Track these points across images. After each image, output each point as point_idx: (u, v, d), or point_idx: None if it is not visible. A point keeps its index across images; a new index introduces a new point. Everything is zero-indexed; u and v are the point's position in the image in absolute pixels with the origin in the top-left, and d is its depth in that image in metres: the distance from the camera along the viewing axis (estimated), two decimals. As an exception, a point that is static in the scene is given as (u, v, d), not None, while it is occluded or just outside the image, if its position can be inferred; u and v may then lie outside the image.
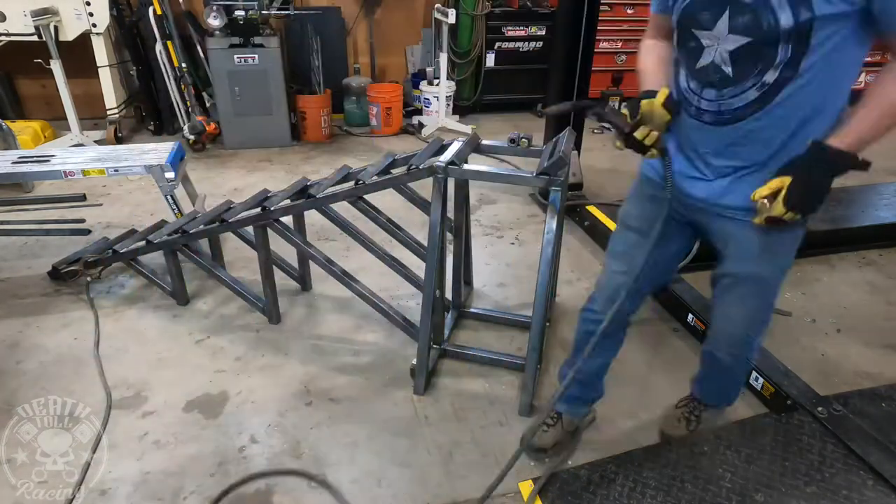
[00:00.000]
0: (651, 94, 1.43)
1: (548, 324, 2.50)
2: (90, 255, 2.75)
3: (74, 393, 2.17)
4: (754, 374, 2.19)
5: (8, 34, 4.28)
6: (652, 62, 1.55)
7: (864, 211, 3.66)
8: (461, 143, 2.21)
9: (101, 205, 3.74)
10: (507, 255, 3.27)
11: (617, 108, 5.84)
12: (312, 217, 2.89)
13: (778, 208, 1.28)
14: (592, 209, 3.50)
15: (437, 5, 5.21)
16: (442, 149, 2.26)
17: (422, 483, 1.85)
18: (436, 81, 5.41)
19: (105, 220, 3.55)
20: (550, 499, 1.77)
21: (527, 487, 1.80)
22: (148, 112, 5.16)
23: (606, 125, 1.49)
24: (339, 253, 3.19)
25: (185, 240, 2.57)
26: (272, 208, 2.37)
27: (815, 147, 1.28)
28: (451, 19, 4.88)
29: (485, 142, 2.35)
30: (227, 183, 4.19)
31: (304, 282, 2.86)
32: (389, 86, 5.50)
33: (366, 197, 2.37)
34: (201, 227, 2.54)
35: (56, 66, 4.29)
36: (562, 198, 1.98)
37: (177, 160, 2.91)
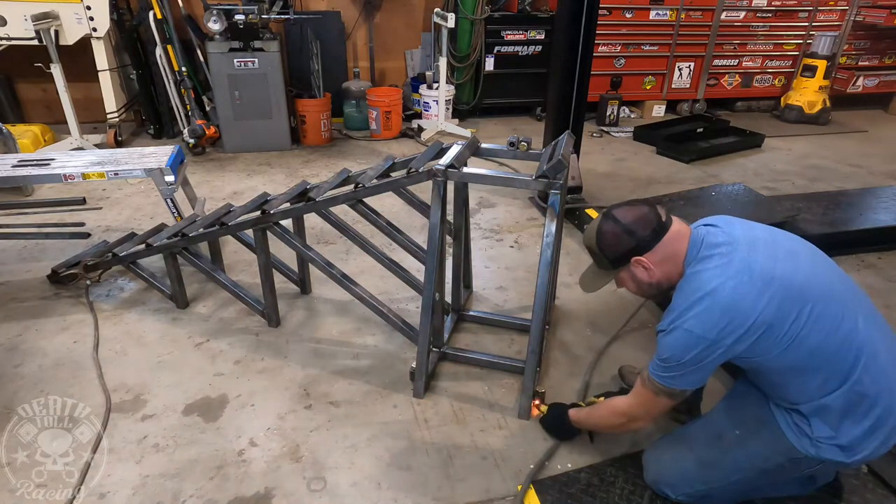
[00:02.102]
0: None
1: (547, 327, 2.50)
2: (90, 259, 2.75)
3: (74, 396, 2.17)
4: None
5: (8, 38, 4.30)
6: None
7: (863, 214, 3.67)
8: (460, 146, 2.22)
9: (100, 208, 3.75)
10: (506, 258, 3.28)
11: (617, 111, 5.88)
12: (312, 220, 2.90)
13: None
14: (592, 212, 3.52)
15: (436, 9, 5.24)
16: (441, 152, 2.26)
17: (422, 486, 1.84)
18: (435, 85, 5.43)
19: (105, 223, 3.55)
20: (550, 501, 1.76)
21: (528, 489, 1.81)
22: (148, 116, 5.17)
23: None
24: (339, 256, 3.19)
25: (185, 243, 2.58)
26: (272, 211, 2.37)
27: (561, 406, 2.00)
28: (451, 23, 4.90)
29: (484, 145, 2.35)
30: (227, 186, 4.20)
31: (304, 285, 2.86)
32: (389, 90, 5.52)
33: (365, 200, 2.37)
34: (201, 230, 2.54)
35: (56, 70, 4.30)
36: (561, 201, 1.98)
37: (176, 164, 2.92)
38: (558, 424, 1.97)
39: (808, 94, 6.08)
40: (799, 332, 1.38)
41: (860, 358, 1.40)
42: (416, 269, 2.54)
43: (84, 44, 4.49)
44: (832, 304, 1.42)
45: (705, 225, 1.58)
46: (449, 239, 2.57)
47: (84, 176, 2.74)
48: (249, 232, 2.51)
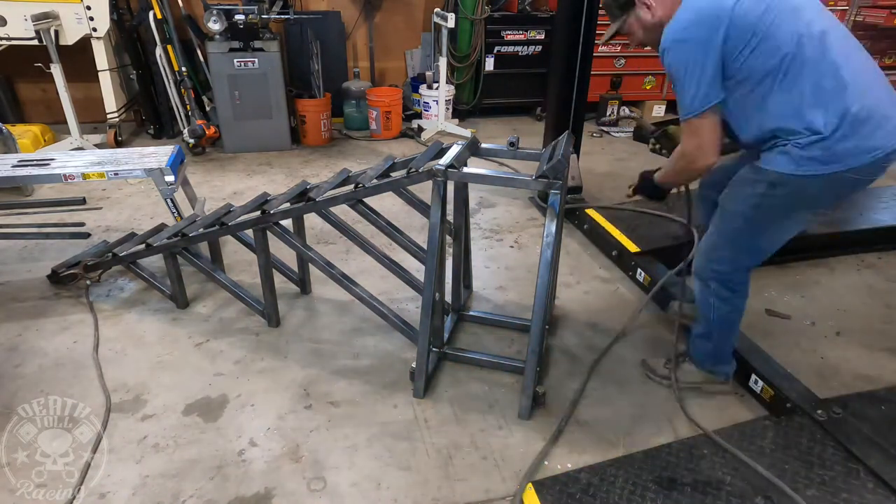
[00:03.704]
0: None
1: (547, 327, 2.50)
2: (90, 259, 2.75)
3: (74, 396, 2.17)
4: (754, 376, 2.19)
5: (8, 38, 4.29)
6: None
7: (863, 214, 3.67)
8: (460, 146, 2.21)
9: (100, 208, 3.75)
10: (506, 258, 3.28)
11: (616, 112, 5.88)
12: (312, 220, 2.90)
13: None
14: (592, 212, 3.51)
15: (436, 9, 5.23)
16: (441, 152, 2.26)
17: (422, 486, 1.84)
18: (435, 85, 5.42)
19: (105, 223, 3.55)
20: (550, 501, 1.76)
21: (528, 490, 1.81)
22: (148, 116, 5.17)
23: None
24: (339, 256, 3.19)
25: (185, 243, 2.58)
26: (272, 211, 2.37)
27: (646, 173, 2.17)
28: (451, 23, 4.90)
29: (484, 145, 2.35)
30: (227, 186, 4.20)
31: (304, 285, 2.86)
32: (389, 90, 5.52)
33: (365, 200, 2.37)
34: (201, 230, 2.54)
35: (56, 70, 4.30)
36: (561, 201, 1.98)
37: (176, 164, 2.92)
38: (652, 188, 2.16)
39: (808, 93, 6.07)
40: (774, 19, 1.58)
41: (838, 60, 1.58)
42: (416, 269, 2.54)
43: (84, 44, 4.48)
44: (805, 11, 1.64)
45: None
46: (449, 239, 2.57)
47: (84, 176, 2.74)
48: (249, 232, 2.51)
